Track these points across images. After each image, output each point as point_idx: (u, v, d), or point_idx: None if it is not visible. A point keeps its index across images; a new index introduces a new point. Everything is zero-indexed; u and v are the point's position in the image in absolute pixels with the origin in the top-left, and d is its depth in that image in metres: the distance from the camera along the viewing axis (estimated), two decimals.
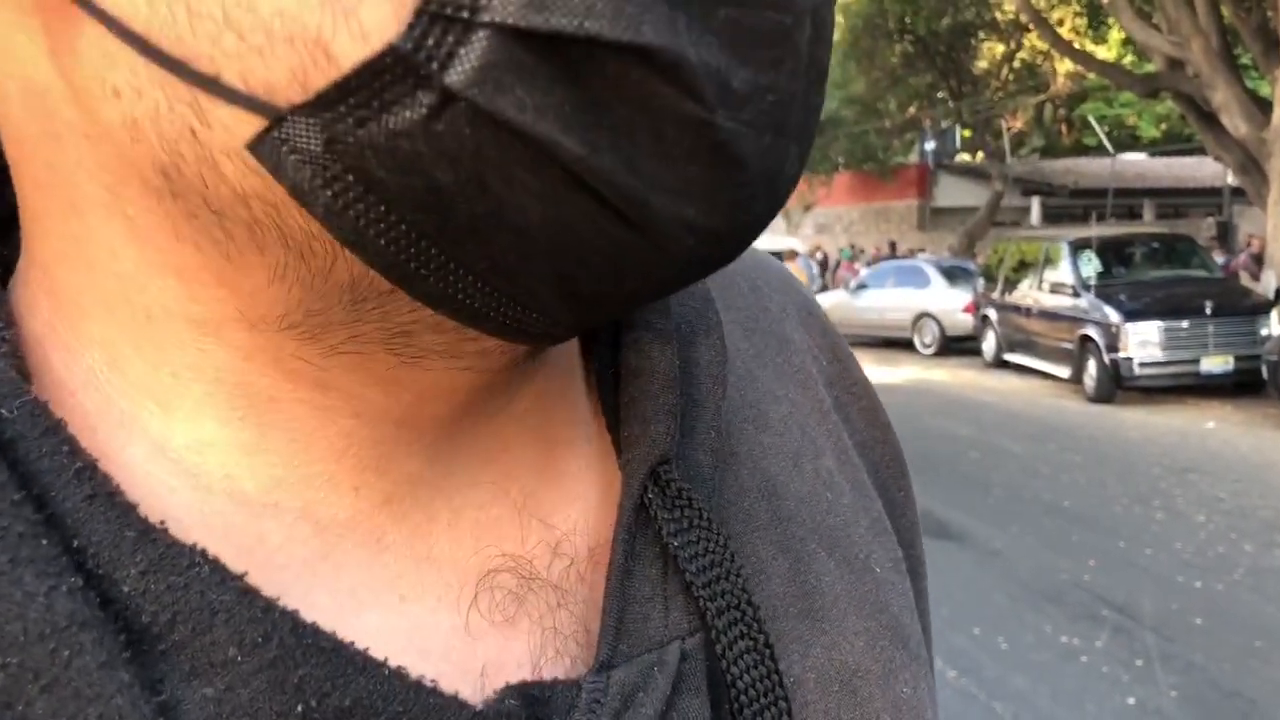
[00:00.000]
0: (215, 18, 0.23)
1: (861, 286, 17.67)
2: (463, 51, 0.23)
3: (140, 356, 0.30)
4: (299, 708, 0.27)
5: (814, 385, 0.48)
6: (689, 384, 0.39)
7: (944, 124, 26.20)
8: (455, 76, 0.23)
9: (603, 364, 0.40)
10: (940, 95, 25.86)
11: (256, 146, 0.24)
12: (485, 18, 0.22)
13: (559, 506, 0.36)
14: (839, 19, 24.25)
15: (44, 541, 0.26)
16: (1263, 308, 10.35)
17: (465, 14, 0.22)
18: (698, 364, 0.40)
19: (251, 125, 0.24)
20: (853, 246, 26.20)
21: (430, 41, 0.22)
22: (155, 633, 0.26)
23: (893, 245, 24.06)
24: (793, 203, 28.08)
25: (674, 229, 0.27)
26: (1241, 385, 10.43)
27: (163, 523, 0.27)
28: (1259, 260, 14.23)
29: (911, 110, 26.21)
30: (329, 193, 0.24)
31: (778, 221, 28.42)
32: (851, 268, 21.47)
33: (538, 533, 0.35)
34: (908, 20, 23.52)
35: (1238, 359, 10.32)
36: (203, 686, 0.26)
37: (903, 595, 0.45)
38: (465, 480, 0.34)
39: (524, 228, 0.26)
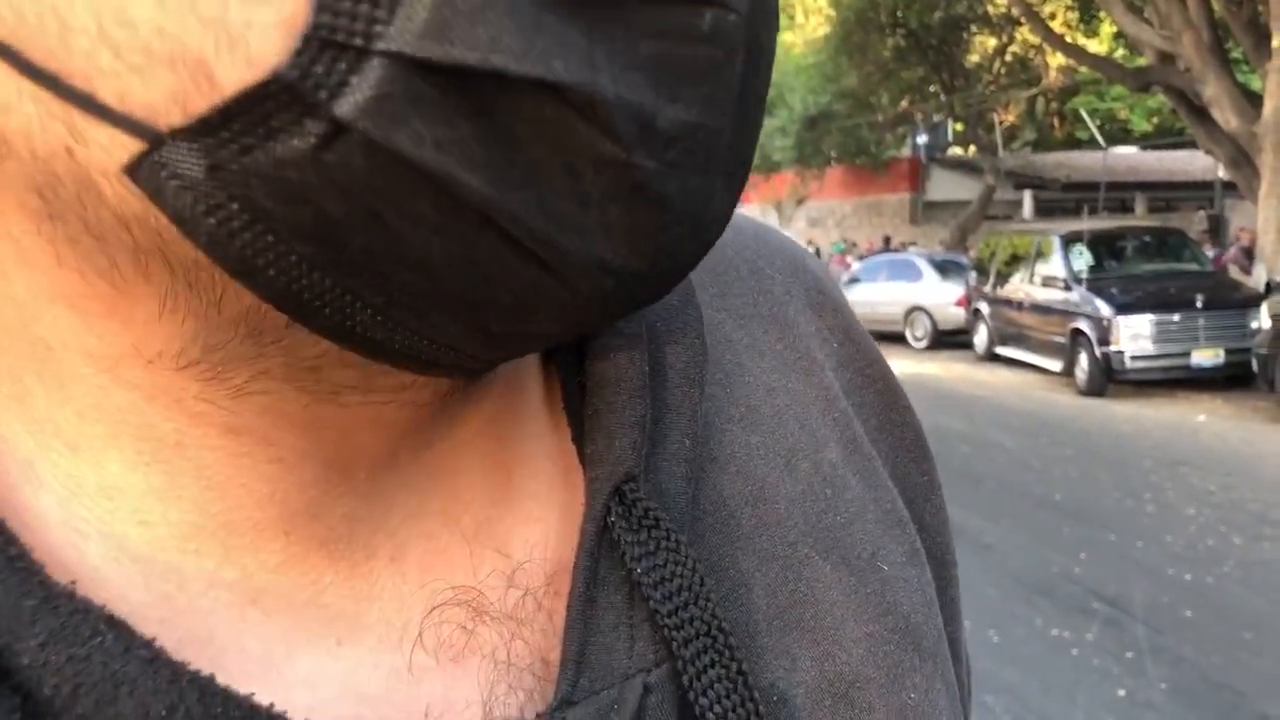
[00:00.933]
0: (89, 32, 0.21)
1: (854, 280, 17.67)
2: (355, 81, 0.21)
3: (44, 391, 0.28)
4: None
5: (819, 372, 0.46)
6: (661, 389, 0.37)
7: (936, 118, 26.21)
8: (346, 107, 0.21)
9: (568, 373, 0.38)
10: (932, 89, 25.86)
11: (135, 170, 0.23)
12: (380, 46, 0.21)
13: (515, 531, 0.35)
14: (830, 12, 24.29)
15: None
16: (1253, 301, 10.37)
17: (359, 41, 0.21)
18: (672, 367, 0.38)
19: (130, 147, 0.22)
20: (845, 240, 26.20)
21: (319, 69, 0.21)
22: (58, 706, 0.25)
23: (887, 240, 24.06)
24: (785, 196, 28.11)
25: (591, 271, 0.25)
26: (1232, 378, 10.46)
27: (73, 583, 0.26)
28: (1249, 254, 14.26)
29: (904, 104, 26.20)
30: (212, 220, 0.23)
31: (770, 216, 28.37)
32: (844, 261, 21.48)
33: (491, 562, 0.34)
34: (900, 14, 23.51)
35: (1228, 352, 10.35)
36: None
37: (917, 591, 0.42)
38: (409, 512, 0.33)
39: (426, 263, 0.24)
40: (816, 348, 0.46)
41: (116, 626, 0.26)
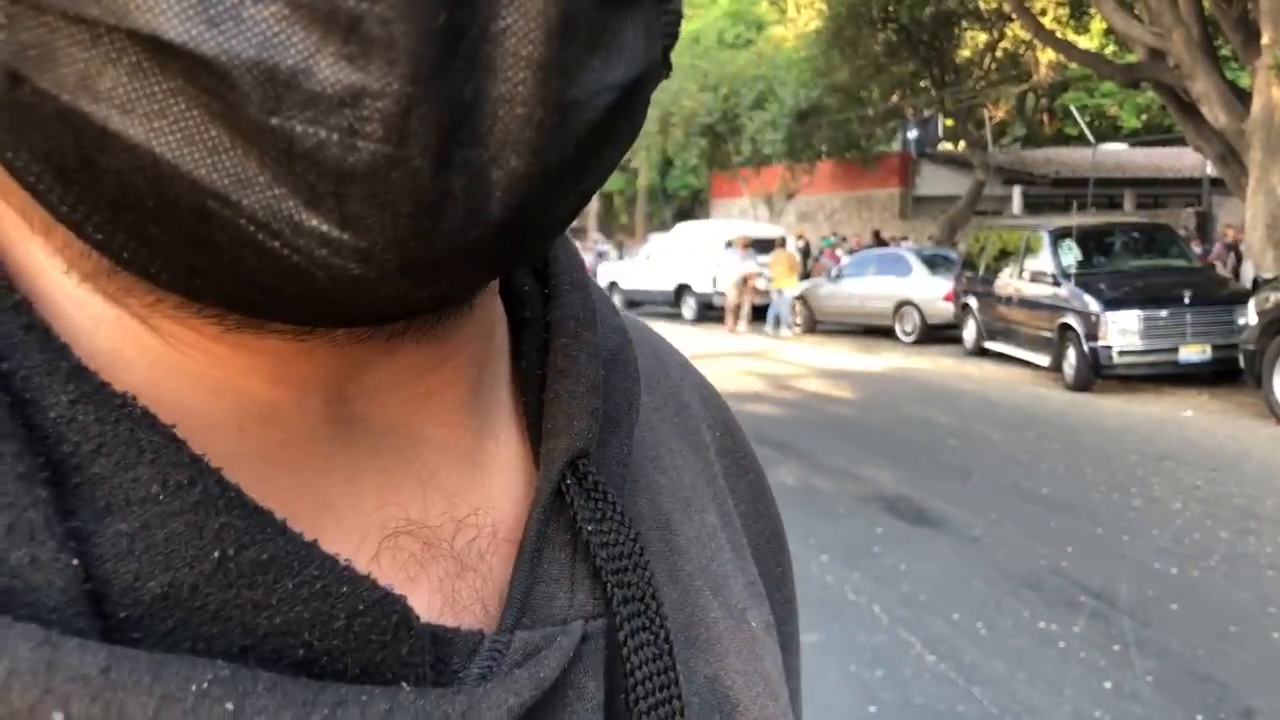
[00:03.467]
0: None
1: (843, 275, 17.70)
2: (10, 23, 0.23)
3: (54, 248, 0.29)
4: (215, 554, 0.26)
5: (705, 450, 0.49)
6: (607, 401, 0.40)
7: (926, 113, 26.21)
8: (2, 52, 0.23)
9: (530, 366, 0.40)
10: (923, 84, 25.87)
11: None
12: None
13: (464, 487, 0.36)
14: (821, 7, 24.27)
15: None
16: (1240, 297, 10.42)
17: None
18: (615, 387, 0.41)
19: None
20: (835, 234, 26.22)
21: None
22: (75, 463, 0.26)
23: (877, 234, 24.08)
24: (775, 190, 28.11)
25: (288, 232, 0.24)
26: (1219, 374, 10.50)
27: (96, 370, 0.27)
28: (1234, 250, 14.32)
29: (894, 99, 26.21)
30: (2, 144, 0.25)
31: (760, 210, 28.38)
32: (834, 255, 21.50)
33: (440, 505, 0.35)
34: (891, 8, 23.51)
35: (1215, 348, 10.40)
36: (117, 522, 0.25)
37: (774, 657, 0.45)
38: (364, 446, 0.33)
39: (141, 203, 0.25)
40: (704, 430, 0.51)
41: (143, 407, 0.27)
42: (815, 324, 17.89)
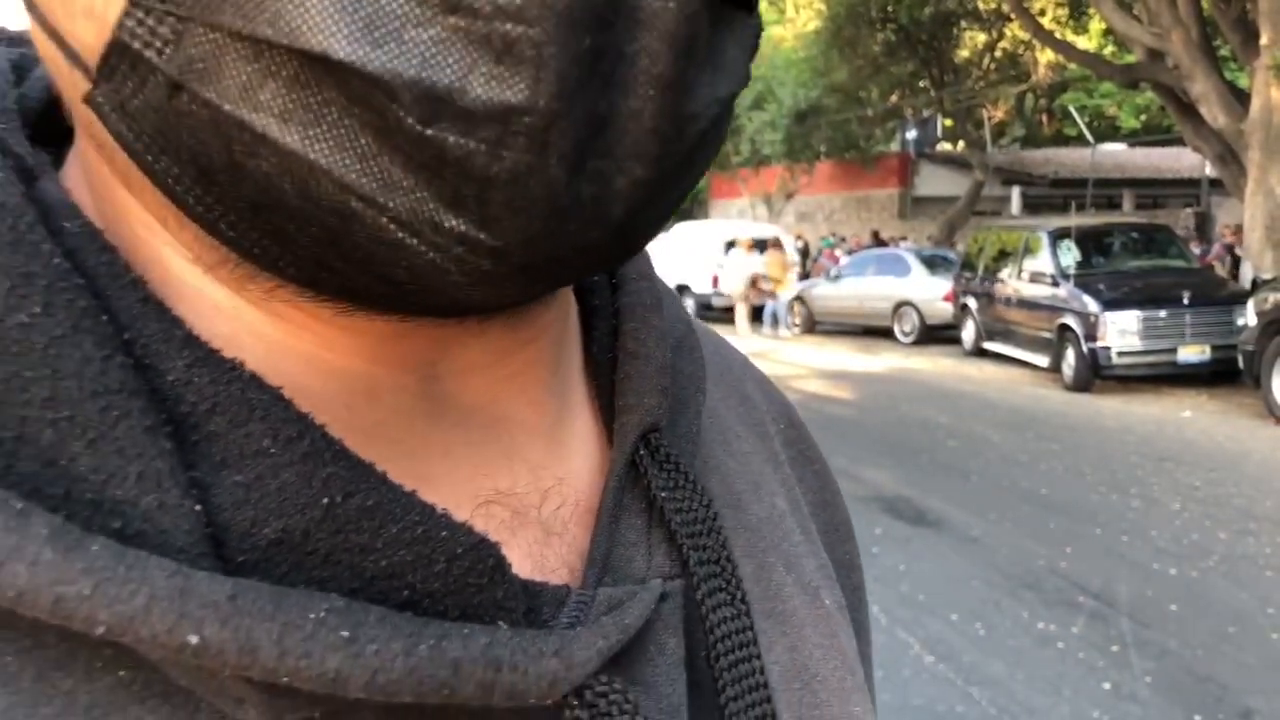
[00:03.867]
0: None
1: (842, 275, 17.69)
2: (177, 40, 0.25)
3: (184, 231, 0.30)
4: (324, 500, 0.28)
5: (770, 440, 0.50)
6: (675, 383, 0.41)
7: (925, 113, 26.21)
8: (170, 65, 0.25)
9: (600, 350, 0.42)
10: (922, 84, 25.88)
11: (88, 99, 0.27)
12: (184, 13, 0.25)
13: (547, 461, 0.38)
14: (821, 7, 24.28)
15: (103, 318, 0.27)
16: (1239, 298, 10.42)
17: (172, 9, 0.25)
18: (682, 371, 0.42)
19: (84, 82, 0.27)
20: (834, 235, 26.23)
21: (145, 30, 0.25)
22: (193, 422, 0.28)
23: (876, 234, 24.08)
24: (774, 190, 28.12)
25: (425, 230, 0.26)
26: (1218, 375, 10.50)
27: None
28: (1231, 251, 14.33)
29: (893, 99, 26.22)
30: (139, 145, 0.27)
31: (759, 210, 28.36)
32: (833, 256, 21.49)
33: (526, 476, 0.37)
34: (890, 9, 23.52)
35: (1214, 349, 10.39)
36: (233, 474, 0.27)
37: (849, 635, 0.46)
38: (454, 421, 0.35)
39: (282, 204, 0.26)
40: (768, 422, 0.52)
41: (250, 370, 0.29)
42: (814, 324, 17.89)
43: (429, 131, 0.25)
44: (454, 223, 0.26)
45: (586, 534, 0.37)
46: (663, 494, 0.38)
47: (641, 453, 0.38)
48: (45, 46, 0.29)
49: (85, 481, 0.26)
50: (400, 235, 0.26)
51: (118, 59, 0.26)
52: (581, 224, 0.27)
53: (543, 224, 0.27)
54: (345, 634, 0.26)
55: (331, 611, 0.26)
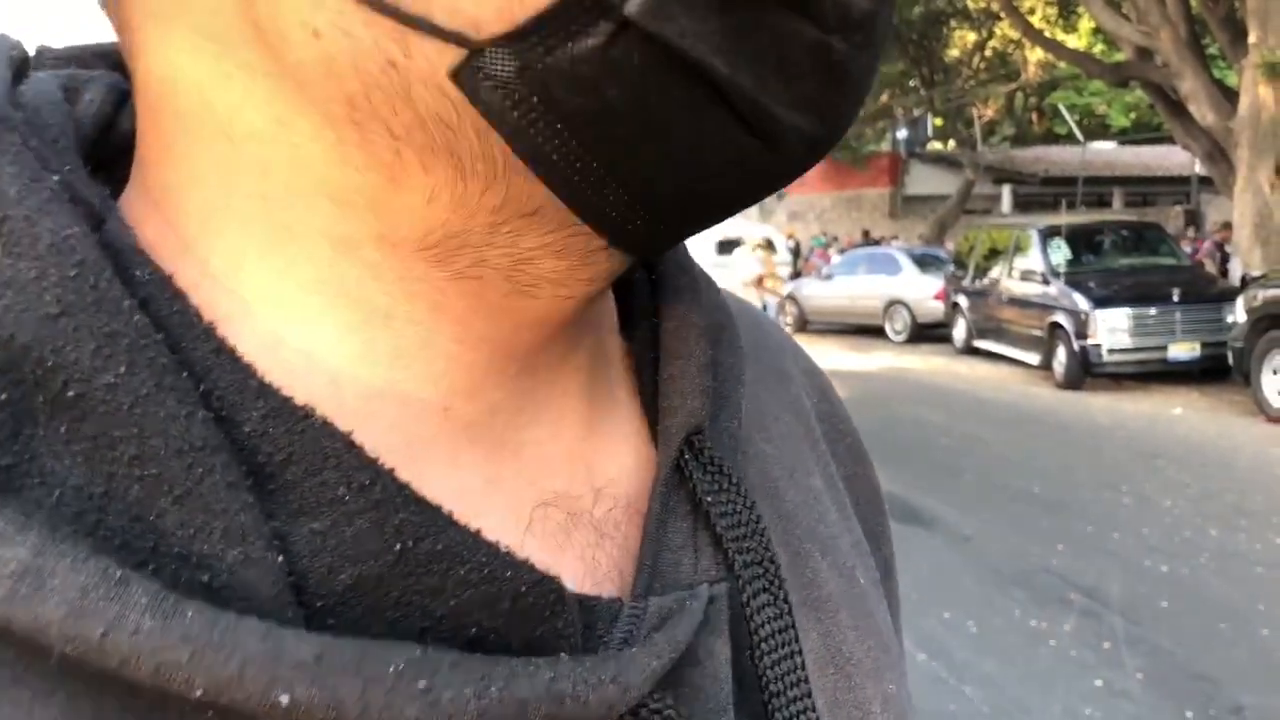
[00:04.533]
0: None
1: (833, 274, 17.71)
2: None
3: (267, 267, 0.32)
4: (397, 546, 0.29)
5: (807, 416, 0.51)
6: (716, 379, 0.42)
7: (916, 112, 26.26)
8: (633, 7, 0.27)
9: (641, 349, 0.43)
10: (912, 83, 25.92)
11: (457, 75, 0.28)
12: None
13: (599, 459, 0.39)
14: None
15: (183, 374, 0.28)
16: (1229, 295, 10.44)
17: None
18: (722, 364, 0.43)
19: (452, 56, 0.27)
20: (826, 234, 26.24)
21: None
22: (269, 471, 0.28)
23: (866, 233, 24.09)
24: None
25: (790, 136, 0.31)
26: (1208, 372, 10.52)
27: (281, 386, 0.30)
28: (1222, 249, 14.37)
29: (884, 98, 26.24)
30: (516, 114, 0.28)
31: (750, 209, 28.45)
32: (825, 255, 21.51)
33: (583, 477, 0.38)
34: None
35: (1204, 346, 10.42)
36: (310, 522, 0.28)
37: (883, 610, 0.48)
38: (530, 416, 0.37)
39: (671, 140, 0.30)
40: (803, 397, 0.53)
41: (323, 416, 0.29)
42: (806, 323, 17.90)
43: (831, 38, 0.30)
44: (806, 121, 0.31)
45: (636, 534, 0.38)
46: (708, 498, 0.39)
47: (686, 456, 0.39)
48: (335, 18, 0.28)
49: (173, 536, 0.27)
50: (760, 144, 0.31)
51: (564, 11, 0.27)
52: (855, 104, 0.33)
53: (850, 109, 0.33)
54: (422, 684, 0.27)
55: (409, 664, 0.27)
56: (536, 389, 0.37)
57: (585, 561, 0.36)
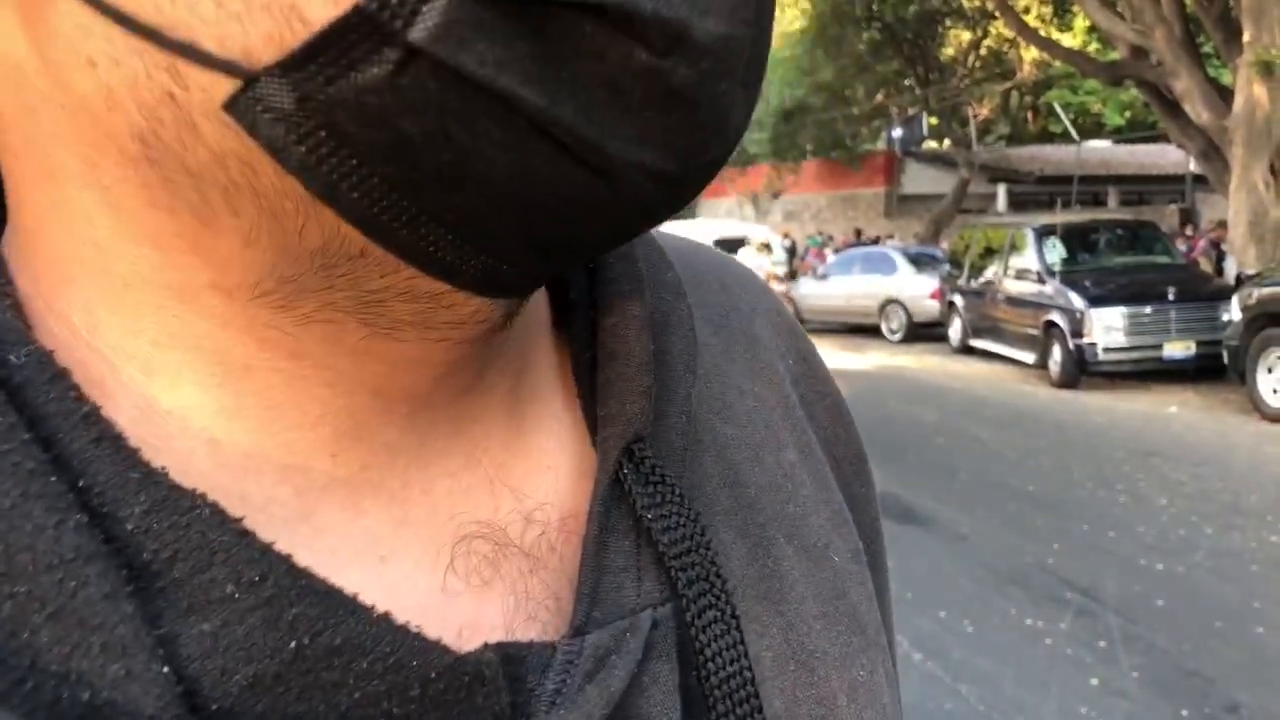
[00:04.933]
0: None
1: (829, 274, 17.71)
2: (425, 9, 0.24)
3: (118, 322, 0.30)
4: (291, 644, 0.27)
5: (780, 382, 0.49)
6: (661, 370, 0.41)
7: (911, 111, 26.24)
8: (418, 33, 0.24)
9: (579, 349, 0.41)
10: (907, 83, 25.93)
11: (231, 106, 0.25)
12: None
13: (529, 479, 0.37)
14: (806, 6, 24.30)
15: (52, 478, 0.26)
16: (1224, 293, 10.46)
17: None
18: (670, 352, 0.41)
19: (227, 87, 0.25)
20: (821, 234, 26.25)
21: (394, 0, 0.24)
22: (155, 570, 0.27)
23: (858, 233, 24.11)
24: (761, 189, 28.14)
25: (632, 174, 0.28)
26: (1203, 370, 10.53)
27: (163, 468, 0.28)
28: (1217, 247, 14.39)
29: (879, 98, 26.26)
30: (302, 148, 0.25)
31: (747, 209, 28.38)
32: (820, 254, 21.52)
33: (509, 502, 0.36)
34: (875, 7, 23.56)
35: (1200, 344, 10.43)
36: (200, 623, 0.27)
37: (861, 584, 0.46)
38: (438, 450, 0.35)
39: (490, 177, 0.27)
40: (777, 360, 0.50)
41: (211, 504, 0.28)
42: (801, 322, 17.70)
43: (665, 62, 0.26)
44: (653, 159, 0.28)
45: (576, 554, 0.36)
46: (648, 515, 0.37)
47: (625, 470, 0.37)
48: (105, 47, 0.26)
49: (50, 653, 0.25)
50: (597, 182, 0.28)
51: (336, 40, 0.24)
52: (721, 141, 0.30)
53: (713, 145, 0.29)
54: None
55: None
56: (439, 424, 0.35)
57: (516, 594, 0.35)
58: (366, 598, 0.30)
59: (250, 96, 0.25)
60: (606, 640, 0.34)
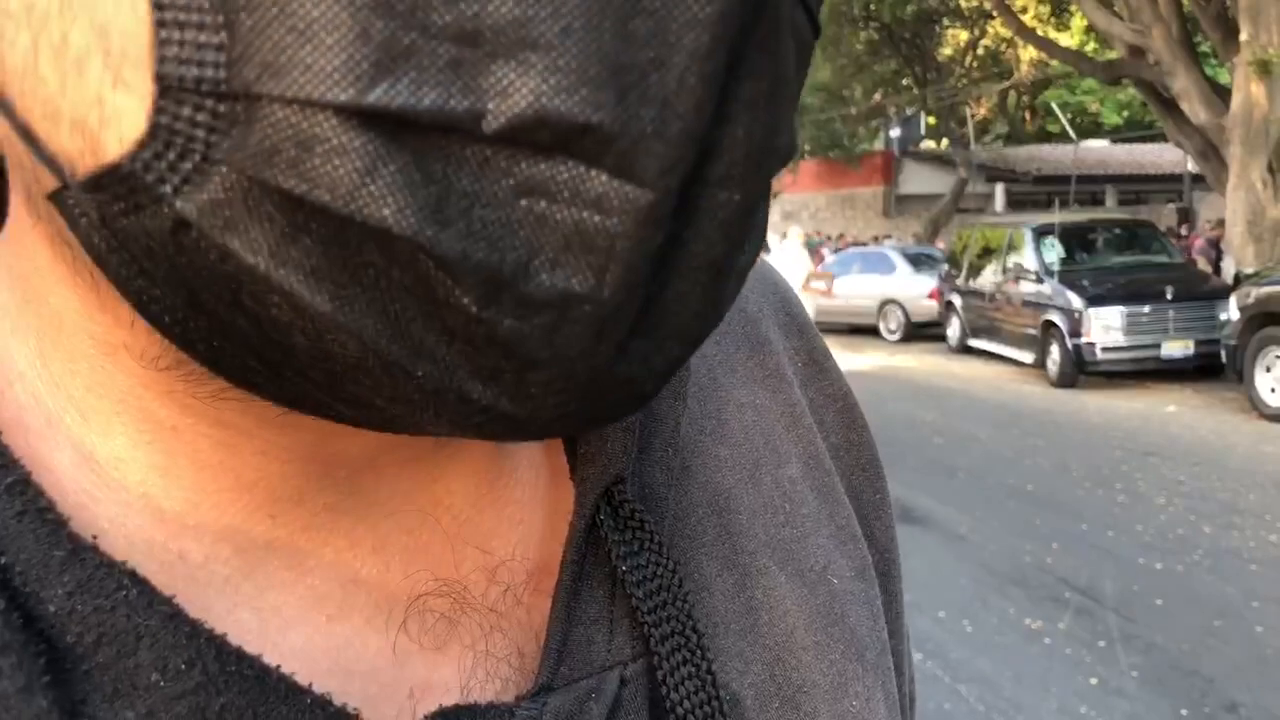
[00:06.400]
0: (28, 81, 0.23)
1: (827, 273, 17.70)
2: (198, 181, 0.22)
3: (59, 362, 0.29)
4: None
5: (787, 389, 0.48)
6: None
7: (909, 111, 26.29)
8: (184, 203, 0.22)
9: None
10: (905, 82, 25.94)
11: (56, 198, 0.24)
12: (217, 156, 0.22)
13: (497, 532, 0.36)
14: None
15: None
16: (1222, 293, 10.47)
17: (197, 148, 0.22)
18: None
19: (53, 180, 0.24)
20: (819, 233, 26.26)
21: (163, 165, 0.22)
22: (79, 653, 0.26)
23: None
24: None
25: (449, 398, 0.25)
26: (1201, 369, 10.56)
27: (94, 538, 0.27)
28: (1215, 246, 14.39)
29: (877, 97, 26.28)
30: (115, 259, 0.24)
31: None
32: (820, 254, 21.52)
33: (472, 558, 0.35)
34: (873, 7, 23.56)
35: (1198, 343, 10.43)
36: (124, 709, 0.26)
37: (864, 604, 0.45)
38: (389, 509, 0.33)
39: (287, 346, 0.24)
40: (785, 365, 0.49)
41: (140, 582, 0.27)
42: None
43: (484, 313, 0.23)
44: (482, 393, 0.25)
45: (546, 604, 0.35)
46: (623, 565, 0.35)
47: (603, 515, 0.35)
48: None
49: None
50: (415, 397, 0.25)
51: (113, 181, 0.23)
52: (614, 400, 0.27)
53: (578, 403, 0.26)
54: None
55: None
56: (388, 483, 0.33)
57: (475, 652, 0.33)
58: (311, 660, 0.30)
59: (69, 196, 0.24)
60: (569, 704, 0.33)
